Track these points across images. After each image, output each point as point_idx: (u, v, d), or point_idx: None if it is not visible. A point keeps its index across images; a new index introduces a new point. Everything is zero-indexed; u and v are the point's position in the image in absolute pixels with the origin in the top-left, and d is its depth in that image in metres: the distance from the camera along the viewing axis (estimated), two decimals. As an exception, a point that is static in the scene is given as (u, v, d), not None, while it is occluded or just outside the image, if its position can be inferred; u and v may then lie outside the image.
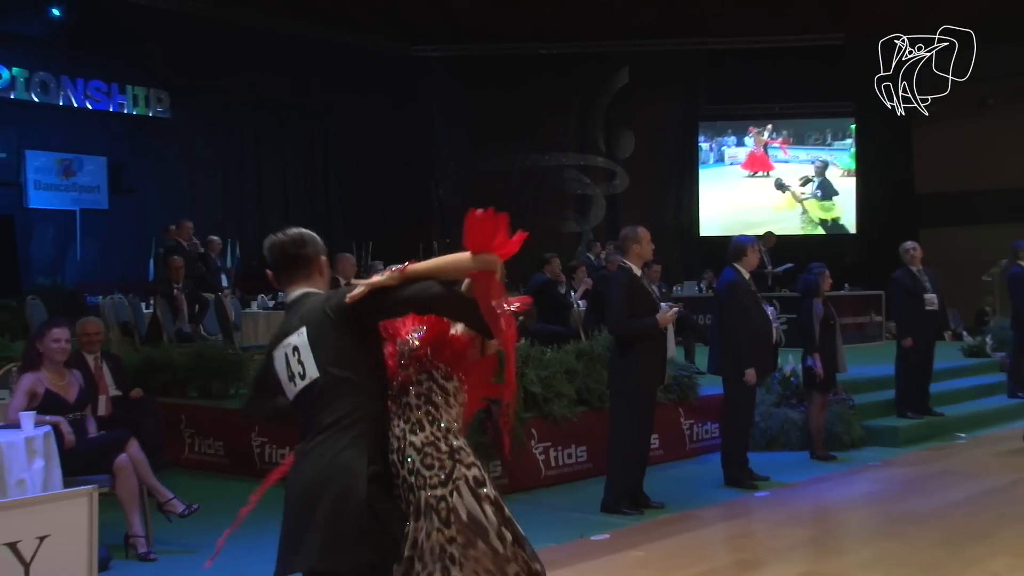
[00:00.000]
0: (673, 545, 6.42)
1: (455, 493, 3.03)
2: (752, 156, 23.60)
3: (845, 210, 23.91)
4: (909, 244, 10.89)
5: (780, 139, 23.88)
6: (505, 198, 21.86)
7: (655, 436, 8.28)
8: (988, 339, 14.29)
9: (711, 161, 23.58)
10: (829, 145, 24.23)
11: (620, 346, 7.26)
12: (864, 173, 24.17)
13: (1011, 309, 11.47)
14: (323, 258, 3.39)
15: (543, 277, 11.19)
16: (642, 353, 7.17)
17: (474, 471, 3.09)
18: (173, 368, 9.77)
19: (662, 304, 7.46)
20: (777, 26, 21.92)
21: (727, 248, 8.43)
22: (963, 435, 10.35)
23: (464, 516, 3.01)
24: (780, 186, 23.24)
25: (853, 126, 24.26)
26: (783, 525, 6.99)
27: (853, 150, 24.24)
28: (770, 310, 8.73)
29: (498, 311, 3.10)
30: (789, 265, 15.33)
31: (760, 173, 23.43)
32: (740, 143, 23.70)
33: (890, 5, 21.47)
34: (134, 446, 6.21)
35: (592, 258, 15.55)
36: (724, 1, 20.69)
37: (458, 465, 3.08)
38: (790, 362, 9.89)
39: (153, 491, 6.32)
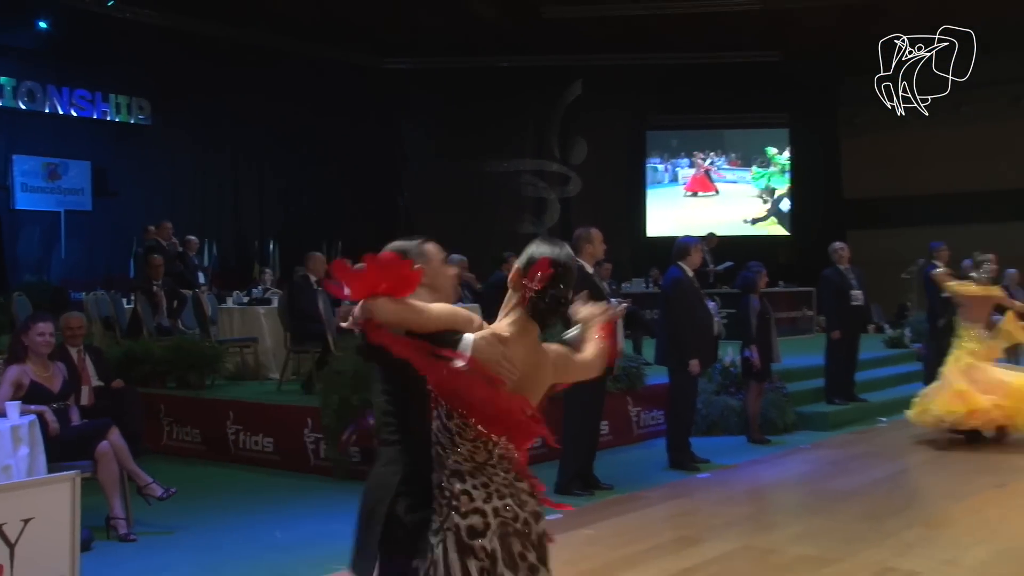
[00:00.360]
0: (621, 524, 6.45)
1: (442, 544, 2.65)
2: (695, 179, 24.09)
3: (781, 214, 24.22)
4: (837, 245, 11.01)
5: (726, 161, 24.42)
6: (466, 202, 21.89)
7: (605, 422, 8.30)
8: (907, 331, 14.50)
9: (665, 181, 24.06)
10: (766, 166, 24.74)
11: (572, 339, 7.25)
12: (797, 180, 24.45)
13: (926, 304, 11.62)
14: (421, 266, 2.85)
15: (501, 275, 11.17)
16: (593, 345, 7.18)
17: (472, 519, 2.63)
18: (153, 360, 9.67)
19: (612, 300, 7.47)
20: (718, 44, 22.14)
21: (672, 248, 8.46)
22: (884, 419, 10.47)
23: (441, 571, 2.63)
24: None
25: (787, 137, 24.56)
26: (722, 503, 7.04)
27: (788, 162, 24.58)
28: (712, 305, 8.79)
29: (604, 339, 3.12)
30: (729, 264, 15.45)
31: (702, 194, 23.98)
32: (689, 165, 24.26)
33: (823, 24, 21.70)
34: (115, 434, 6.13)
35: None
36: (669, 20, 20.83)
37: (452, 514, 2.65)
38: (729, 353, 9.95)
39: (133, 476, 6.25)
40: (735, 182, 24.33)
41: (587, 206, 21.89)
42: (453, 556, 2.63)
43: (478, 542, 2.62)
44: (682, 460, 8.17)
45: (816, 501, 7.09)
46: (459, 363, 2.64)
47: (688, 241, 8.43)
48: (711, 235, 16.11)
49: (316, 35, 19.91)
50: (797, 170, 24.45)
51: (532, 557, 2.71)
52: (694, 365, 7.99)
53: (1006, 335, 9.06)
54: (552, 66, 22.35)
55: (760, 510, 6.92)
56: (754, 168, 24.41)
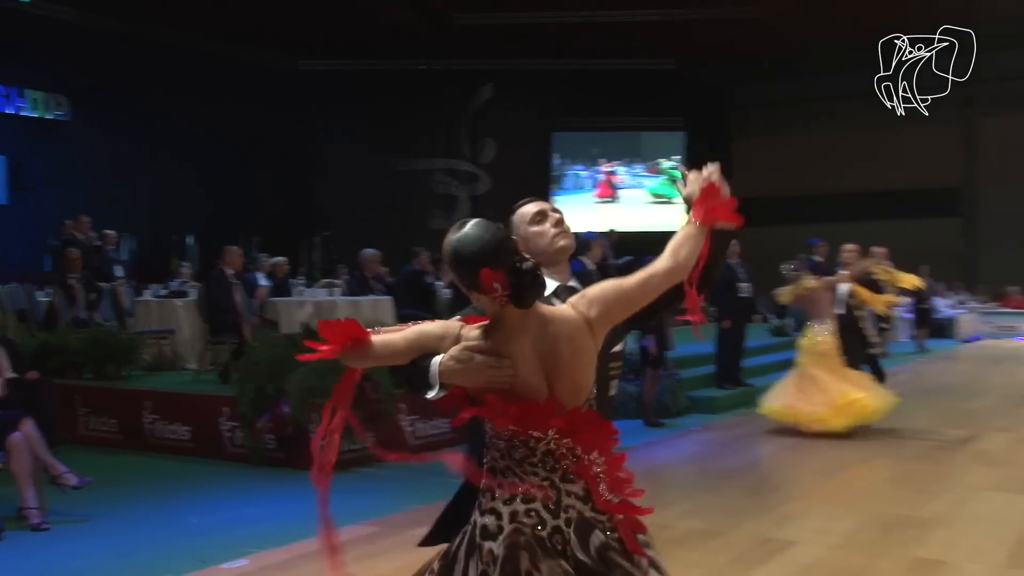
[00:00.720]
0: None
1: (461, 536, 2.38)
2: (602, 186, 24.56)
3: (678, 211, 24.61)
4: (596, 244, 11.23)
5: (626, 168, 24.95)
6: (380, 198, 21.75)
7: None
8: (790, 321, 14.89)
9: (573, 188, 24.49)
10: (659, 170, 25.34)
11: (479, 329, 7.26)
12: (692, 180, 24.91)
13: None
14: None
15: (411, 268, 11.14)
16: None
17: (487, 519, 2.29)
18: (69, 352, 9.36)
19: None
20: (619, 51, 22.41)
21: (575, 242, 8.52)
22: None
23: (450, 562, 2.37)
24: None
25: (683, 140, 25.03)
26: (619, 483, 7.13)
27: (684, 162, 25.07)
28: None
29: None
30: (629, 258, 15.62)
31: (607, 199, 24.41)
32: (594, 174, 24.74)
33: (714, 35, 22.12)
34: (28, 424, 5.92)
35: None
36: (574, 28, 21.00)
37: (476, 509, 2.36)
38: (627, 342, 10.06)
39: (48, 466, 6.05)
40: (635, 187, 24.75)
41: (496, 203, 21.94)
42: (461, 552, 2.35)
43: (487, 544, 2.27)
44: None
45: (705, 479, 7.25)
46: (430, 394, 2.35)
47: (590, 237, 8.53)
48: (612, 231, 16.31)
49: (231, 35, 19.56)
50: (693, 170, 24.97)
51: (552, 571, 2.20)
52: (594, 353, 8.08)
53: (865, 301, 9.10)
54: (464, 70, 22.38)
55: (654, 489, 6.97)
56: (656, 176, 24.92)
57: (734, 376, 11.00)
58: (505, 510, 2.28)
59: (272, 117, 20.31)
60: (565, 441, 2.28)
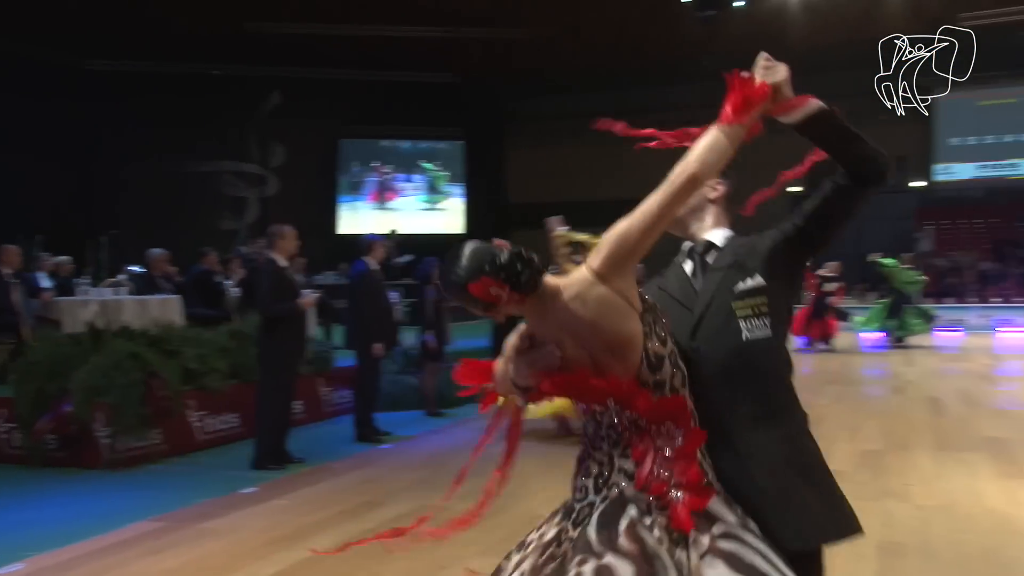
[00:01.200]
0: (312, 493, 6.40)
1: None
2: (382, 191, 24.58)
3: (457, 215, 24.99)
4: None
5: (406, 175, 25.09)
6: (169, 199, 20.71)
7: (298, 402, 8.21)
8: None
9: (362, 190, 24.30)
10: (435, 178, 25.63)
11: (267, 326, 7.11)
12: (471, 186, 25.29)
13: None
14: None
15: (200, 268, 10.70)
16: (287, 332, 7.09)
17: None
18: None
19: (304, 291, 7.42)
20: (404, 64, 22.44)
21: (358, 243, 8.50)
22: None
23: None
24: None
25: (463, 148, 25.38)
26: (401, 470, 7.17)
27: (462, 169, 25.50)
28: (394, 295, 8.92)
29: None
30: (410, 257, 15.72)
31: (387, 204, 24.50)
32: (376, 180, 24.69)
33: (491, 53, 22.56)
34: None
35: (245, 251, 15.05)
36: (362, 41, 20.84)
37: None
38: (410, 338, 10.12)
39: None
40: (413, 193, 24.97)
41: (284, 205, 21.45)
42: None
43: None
44: (367, 434, 8.25)
45: (481, 463, 7.39)
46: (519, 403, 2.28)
47: (372, 238, 8.50)
48: (393, 232, 16.33)
49: (16, 33, 18.07)
50: (471, 177, 25.34)
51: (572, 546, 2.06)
52: (378, 348, 8.10)
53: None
54: (254, 76, 21.71)
55: (434, 474, 7.11)
56: (429, 181, 25.22)
57: (508, 367, 11.28)
58: (573, 483, 2.22)
59: (58, 116, 18.92)
60: (627, 413, 2.08)
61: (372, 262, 8.31)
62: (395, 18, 19.95)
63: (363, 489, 6.61)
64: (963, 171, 25.67)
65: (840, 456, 7.22)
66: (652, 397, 2.06)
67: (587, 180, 26.79)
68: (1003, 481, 6.26)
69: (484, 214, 25.25)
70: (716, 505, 2.05)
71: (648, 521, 1.99)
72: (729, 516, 2.04)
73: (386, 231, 15.51)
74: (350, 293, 8.50)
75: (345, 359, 9.27)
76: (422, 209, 25.08)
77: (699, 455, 2.09)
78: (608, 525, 2.00)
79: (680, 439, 2.07)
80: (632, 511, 2.01)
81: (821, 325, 16.00)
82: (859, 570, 4.43)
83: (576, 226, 8.24)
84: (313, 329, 9.68)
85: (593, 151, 26.95)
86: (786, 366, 2.28)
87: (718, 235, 2.37)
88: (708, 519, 2.02)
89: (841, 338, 16.54)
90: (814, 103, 2.11)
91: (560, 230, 7.51)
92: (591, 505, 2.10)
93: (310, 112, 22.71)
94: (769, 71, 2.12)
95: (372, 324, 8.12)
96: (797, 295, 2.33)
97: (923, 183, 26.00)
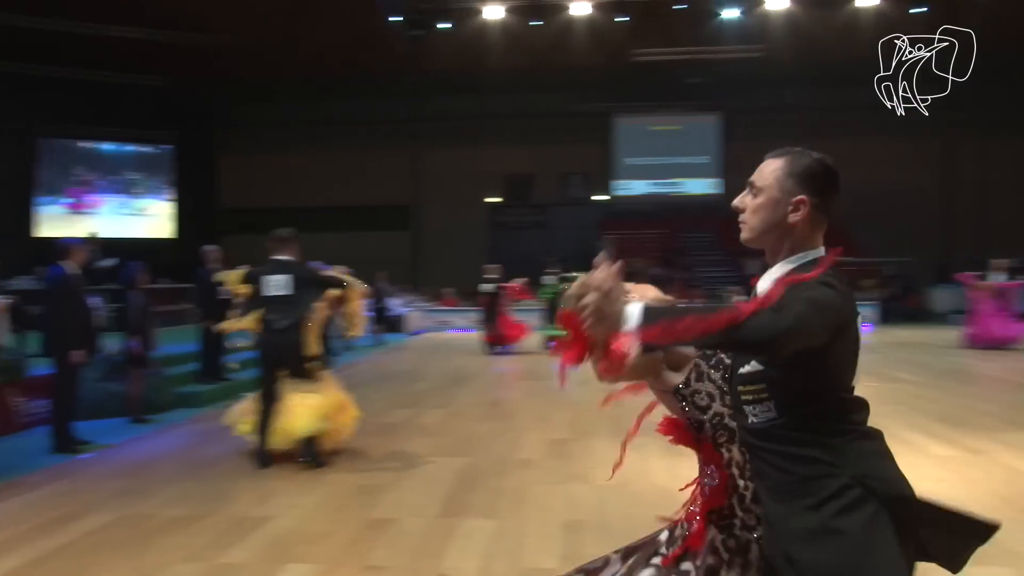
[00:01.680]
0: (1, 510, 5.74)
1: None
2: (82, 194, 22.94)
3: (165, 220, 23.61)
4: (208, 247, 10.96)
5: (110, 179, 23.47)
6: None
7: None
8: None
9: (56, 195, 22.31)
10: (139, 182, 24.26)
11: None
12: (182, 191, 24.00)
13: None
14: None
15: None
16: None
17: None
18: None
19: (-9, 296, 6.62)
20: (110, 65, 20.87)
21: (55, 247, 7.75)
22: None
23: None
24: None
25: (173, 153, 24.10)
26: (103, 480, 6.62)
27: (171, 174, 24.21)
28: (96, 300, 8.23)
29: None
30: (114, 261, 14.58)
31: (89, 207, 22.84)
32: (77, 182, 22.86)
33: (200, 58, 21.54)
34: None
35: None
36: (67, 37, 19.06)
37: None
38: (113, 344, 9.39)
39: None
40: (117, 195, 23.33)
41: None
42: None
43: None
44: (65, 444, 7.53)
45: (190, 467, 7.02)
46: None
47: (70, 242, 7.80)
48: (94, 236, 15.05)
49: None
50: (182, 182, 24.02)
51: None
52: (76, 355, 7.42)
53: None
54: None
55: (138, 481, 6.63)
56: (133, 185, 23.72)
57: (216, 372, 10.77)
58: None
59: None
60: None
61: (71, 266, 7.60)
62: (101, 16, 18.40)
63: (60, 502, 6.03)
64: (638, 187, 28.35)
65: (531, 445, 7.64)
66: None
67: (301, 187, 26.28)
68: (668, 459, 6.93)
69: (195, 219, 23.94)
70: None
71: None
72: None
73: (86, 234, 14.22)
74: (47, 298, 7.72)
75: (42, 367, 8.39)
76: (127, 214, 23.29)
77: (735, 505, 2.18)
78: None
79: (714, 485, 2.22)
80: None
81: (498, 329, 16.16)
82: (548, 547, 4.71)
83: (300, 231, 8.11)
84: (5, 336, 8.65)
85: (307, 159, 26.54)
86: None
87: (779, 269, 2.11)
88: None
89: (531, 339, 17.45)
90: (635, 336, 1.83)
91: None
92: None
93: (4, 109, 20.31)
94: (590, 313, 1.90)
95: (71, 330, 7.43)
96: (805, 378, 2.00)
97: (605, 197, 28.25)
